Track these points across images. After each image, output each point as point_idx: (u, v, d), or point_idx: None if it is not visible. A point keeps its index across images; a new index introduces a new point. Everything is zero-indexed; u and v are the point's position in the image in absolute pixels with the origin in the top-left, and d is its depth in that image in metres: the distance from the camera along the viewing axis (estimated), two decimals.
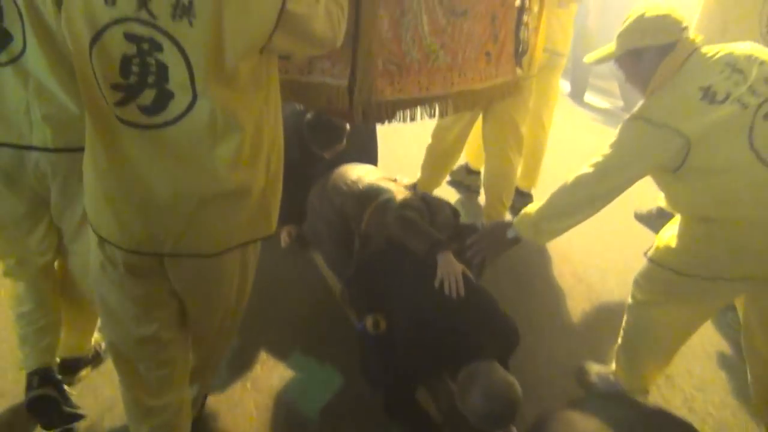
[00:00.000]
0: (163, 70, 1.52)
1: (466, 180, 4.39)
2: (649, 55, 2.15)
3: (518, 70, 2.69)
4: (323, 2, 1.66)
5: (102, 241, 1.74)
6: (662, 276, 2.27)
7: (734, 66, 2.04)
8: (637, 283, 2.40)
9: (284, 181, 1.86)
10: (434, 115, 2.43)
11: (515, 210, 3.39)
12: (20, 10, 1.81)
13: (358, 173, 2.97)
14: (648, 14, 2.16)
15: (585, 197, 2.17)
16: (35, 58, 1.85)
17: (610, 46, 2.27)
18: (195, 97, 1.54)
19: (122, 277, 1.76)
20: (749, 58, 2.05)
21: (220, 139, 1.60)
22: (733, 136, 1.97)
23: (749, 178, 1.98)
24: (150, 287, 1.80)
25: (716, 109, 1.98)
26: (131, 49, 1.52)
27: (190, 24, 1.48)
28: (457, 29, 2.30)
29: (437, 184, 3.99)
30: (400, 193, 2.74)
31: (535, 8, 2.63)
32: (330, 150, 3.18)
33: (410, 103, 2.31)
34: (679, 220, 2.26)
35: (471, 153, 4.28)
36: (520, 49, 2.62)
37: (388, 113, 2.23)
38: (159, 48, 1.50)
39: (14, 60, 1.86)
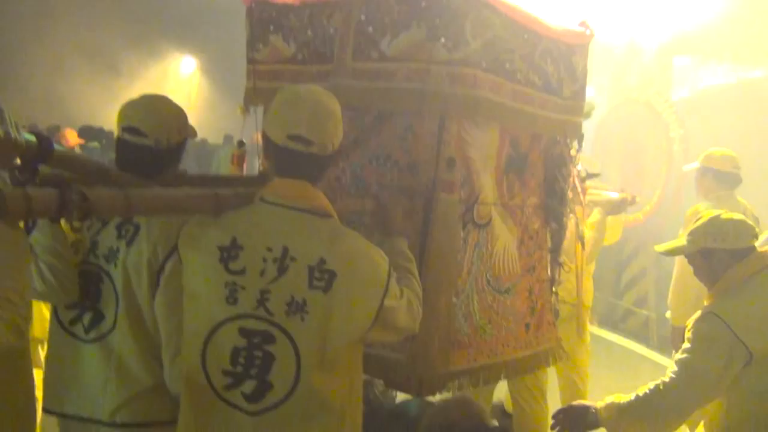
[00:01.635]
0: (268, 361, 1.68)
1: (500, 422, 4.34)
2: (719, 257, 2.29)
3: (558, 336, 2.87)
4: (406, 294, 1.86)
5: None
6: None
7: None
8: None
9: None
10: (480, 384, 2.55)
11: None
12: (117, 294, 1.98)
13: None
14: (723, 217, 2.33)
15: (673, 403, 2.23)
16: (123, 338, 1.99)
17: (681, 241, 2.43)
18: (296, 385, 1.68)
19: None
20: None
21: (311, 420, 1.72)
22: None
23: None
24: None
25: None
26: (242, 342, 1.69)
27: (302, 320, 1.67)
28: (501, 304, 2.52)
29: None
30: None
31: (571, 278, 2.89)
32: None
33: (459, 375, 2.43)
34: None
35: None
36: (555, 316, 2.82)
37: (440, 385, 2.35)
38: (272, 340, 1.67)
39: (101, 338, 2.01)
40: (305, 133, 1.74)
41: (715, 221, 2.36)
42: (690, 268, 3.66)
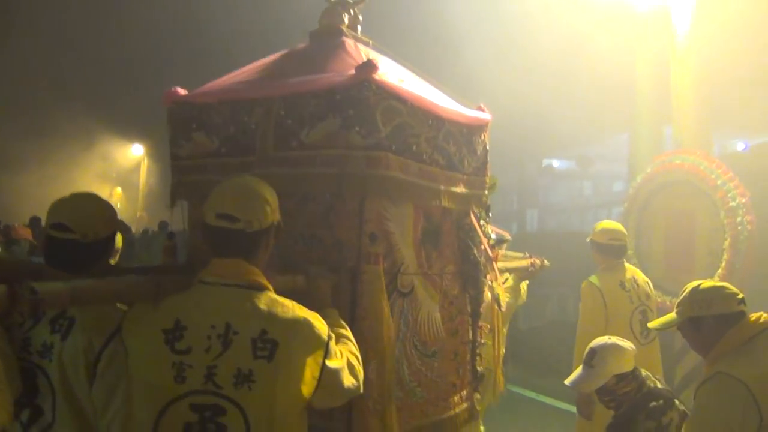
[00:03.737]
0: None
1: None
2: (707, 324, 2.34)
3: (477, 395, 2.98)
4: (346, 356, 1.95)
5: None
6: None
7: None
8: None
9: None
10: None
11: None
12: (54, 388, 1.96)
13: None
14: (702, 286, 2.41)
15: None
16: (63, 429, 1.95)
17: (672, 315, 2.48)
18: None
19: None
20: None
21: None
22: None
23: None
24: None
25: None
26: (193, 417, 1.72)
27: (250, 389, 1.73)
28: (429, 367, 2.63)
29: None
30: None
31: (489, 341, 3.06)
32: None
33: None
34: None
35: None
36: (477, 378, 2.95)
37: None
38: (223, 412, 1.71)
39: None
40: (230, 210, 1.88)
41: (698, 290, 2.41)
42: (592, 327, 4.01)
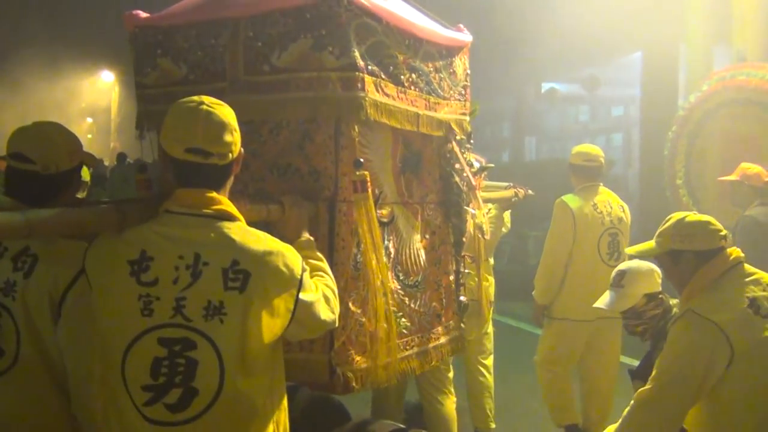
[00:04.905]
0: (191, 367, 1.75)
1: None
2: (687, 258, 2.40)
3: (462, 326, 3.09)
4: (321, 289, 1.99)
5: None
6: None
7: None
8: None
9: None
10: (399, 377, 2.72)
11: None
12: (18, 327, 2.00)
13: None
14: (688, 219, 2.45)
15: (656, 414, 2.28)
16: (27, 372, 2.02)
17: (651, 243, 2.53)
18: (221, 388, 1.75)
19: None
20: None
21: (237, 424, 1.80)
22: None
23: None
24: None
25: (761, 322, 2.21)
26: (162, 352, 1.75)
27: (221, 322, 1.76)
28: (412, 298, 2.72)
29: None
30: None
31: (473, 271, 3.15)
32: None
33: (380, 369, 2.58)
34: None
35: None
36: (461, 308, 3.05)
37: (363, 381, 2.50)
38: (193, 346, 1.75)
39: (2, 373, 2.02)
40: (202, 145, 1.83)
41: (682, 223, 2.45)
42: (559, 245, 4.29)
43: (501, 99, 23.05)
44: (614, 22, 10.98)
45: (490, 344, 4.41)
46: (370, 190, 2.34)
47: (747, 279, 2.37)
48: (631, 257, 3.05)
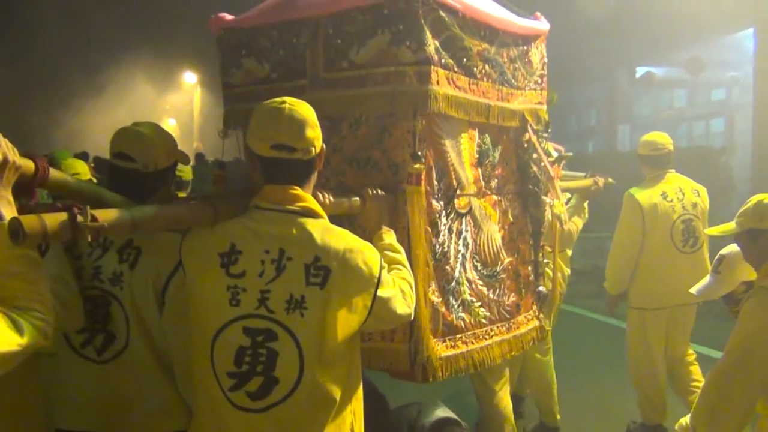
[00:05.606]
0: (272, 358, 1.90)
1: None
2: (765, 237, 2.53)
3: (542, 316, 3.18)
4: (398, 283, 2.11)
5: None
6: None
7: None
8: None
9: None
10: (479, 366, 2.84)
11: None
12: (127, 314, 2.20)
13: None
14: (767, 200, 2.57)
15: (719, 400, 2.38)
16: (136, 355, 2.21)
17: (731, 224, 2.68)
18: (300, 378, 1.89)
19: None
20: None
21: (315, 412, 1.94)
22: None
23: None
24: None
25: None
26: (246, 341, 1.91)
27: (302, 315, 1.90)
28: (491, 288, 2.83)
29: None
30: None
31: (550, 261, 3.23)
32: None
33: (459, 358, 2.71)
34: None
35: None
36: (541, 298, 3.14)
37: (442, 369, 2.62)
38: (274, 338, 1.90)
39: (115, 357, 2.21)
40: (287, 140, 1.98)
41: (762, 203, 2.59)
42: (628, 239, 4.37)
43: (592, 85, 22.56)
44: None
45: (550, 339, 4.45)
46: (423, 184, 2.48)
47: None
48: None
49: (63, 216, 1.67)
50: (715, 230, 2.87)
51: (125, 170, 2.31)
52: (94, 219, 1.73)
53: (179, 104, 24.48)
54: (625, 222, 4.49)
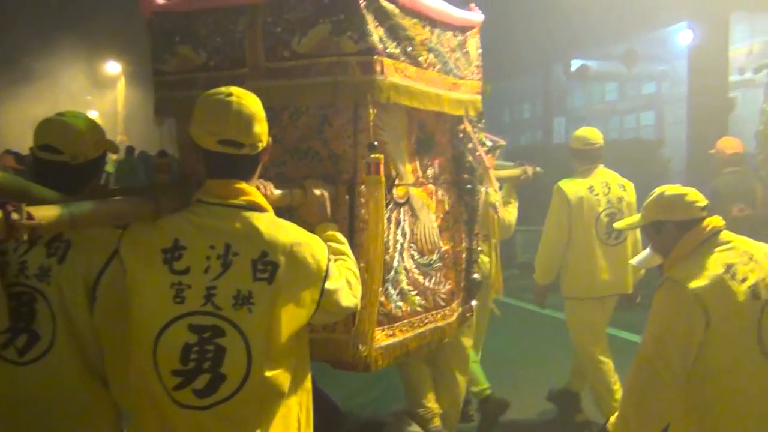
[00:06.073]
0: (220, 354, 1.93)
1: None
2: (669, 228, 2.69)
3: (474, 303, 3.31)
4: (344, 274, 2.17)
5: None
6: None
7: (751, 255, 2.57)
8: None
9: None
10: (413, 354, 2.94)
11: None
12: (54, 312, 2.14)
13: None
14: (668, 192, 2.73)
15: (645, 386, 2.53)
16: (62, 356, 2.15)
17: (637, 216, 2.86)
18: (248, 374, 1.93)
19: None
20: (765, 254, 2.60)
21: (263, 407, 1.99)
22: (745, 326, 2.44)
23: (755, 372, 2.43)
24: None
25: (736, 287, 2.46)
26: (192, 338, 1.93)
27: (250, 311, 1.93)
28: (428, 277, 2.94)
29: None
30: None
31: (485, 247, 3.36)
32: None
33: (396, 346, 2.79)
34: None
35: None
36: (474, 285, 3.27)
37: (382, 358, 2.70)
38: (222, 334, 1.92)
39: (38, 359, 2.14)
40: (234, 136, 2.00)
41: (663, 195, 2.76)
42: (555, 230, 4.64)
43: (527, 77, 23.00)
44: None
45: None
46: (382, 173, 2.52)
47: (724, 246, 2.61)
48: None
49: None
50: (622, 223, 3.09)
51: (52, 163, 2.27)
52: (30, 217, 1.69)
53: (102, 95, 23.85)
54: (553, 214, 4.73)
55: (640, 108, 25.57)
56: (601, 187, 4.69)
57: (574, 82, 22.36)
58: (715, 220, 2.69)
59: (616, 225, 3.24)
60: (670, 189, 2.78)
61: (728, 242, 2.64)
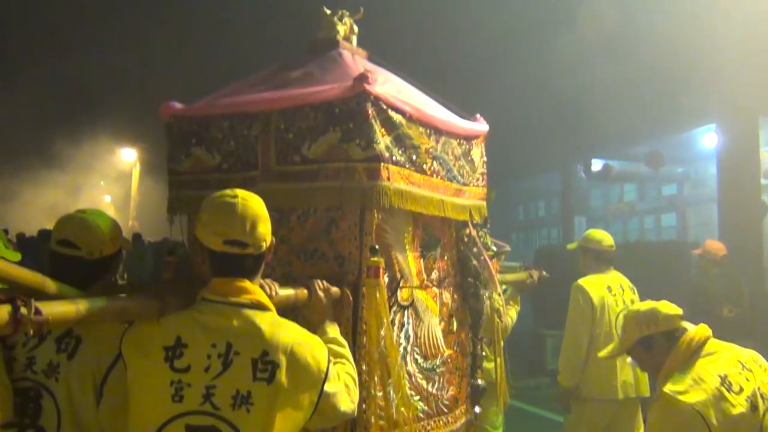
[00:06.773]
0: None
1: None
2: (658, 340, 2.74)
3: (477, 409, 3.36)
4: (343, 378, 2.24)
5: None
6: None
7: (744, 364, 2.61)
8: None
9: None
10: None
11: None
12: (59, 408, 2.22)
13: None
14: (642, 308, 2.81)
15: None
16: None
17: (617, 344, 2.89)
18: None
19: None
20: (755, 361, 2.65)
21: None
22: None
23: None
24: None
25: (733, 398, 2.50)
26: None
27: (248, 411, 1.99)
28: (430, 381, 3.00)
29: None
30: None
31: (489, 353, 3.43)
32: None
33: None
34: None
35: None
36: (478, 391, 3.32)
37: None
38: None
39: None
40: (241, 237, 2.12)
41: (640, 312, 2.85)
42: (579, 329, 4.72)
43: (544, 176, 23.27)
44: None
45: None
46: (382, 277, 2.64)
47: (716, 355, 2.67)
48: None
49: (4, 308, 1.68)
50: (605, 353, 3.14)
51: (69, 258, 2.38)
52: (38, 312, 1.75)
53: (116, 181, 24.53)
54: (575, 312, 4.83)
55: (660, 209, 25.70)
56: (617, 288, 4.86)
57: (592, 181, 22.62)
58: (701, 330, 2.76)
59: (600, 354, 3.27)
60: (643, 305, 2.90)
61: (717, 351, 2.69)
